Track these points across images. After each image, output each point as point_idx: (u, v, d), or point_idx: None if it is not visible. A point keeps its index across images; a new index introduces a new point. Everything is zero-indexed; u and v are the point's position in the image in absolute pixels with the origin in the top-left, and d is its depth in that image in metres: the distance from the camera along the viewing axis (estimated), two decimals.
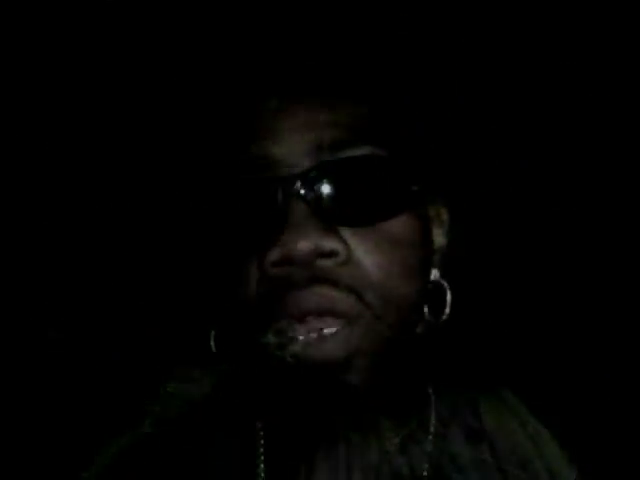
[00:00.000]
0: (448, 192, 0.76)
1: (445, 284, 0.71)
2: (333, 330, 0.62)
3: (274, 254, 0.63)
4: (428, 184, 0.72)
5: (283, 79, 0.70)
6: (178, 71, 0.88)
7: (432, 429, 0.70)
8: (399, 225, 0.66)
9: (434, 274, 0.71)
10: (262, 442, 0.71)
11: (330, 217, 0.64)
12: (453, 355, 0.75)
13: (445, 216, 0.75)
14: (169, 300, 1.20)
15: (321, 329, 0.62)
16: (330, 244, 0.62)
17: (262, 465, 0.70)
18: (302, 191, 0.63)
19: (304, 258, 0.62)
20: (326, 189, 0.64)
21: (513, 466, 0.66)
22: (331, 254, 0.63)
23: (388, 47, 0.79)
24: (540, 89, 0.94)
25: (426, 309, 0.70)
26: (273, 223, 0.63)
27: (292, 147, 0.65)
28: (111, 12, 0.92)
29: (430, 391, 0.73)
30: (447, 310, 0.70)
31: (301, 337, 0.63)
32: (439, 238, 0.74)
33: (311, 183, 0.64)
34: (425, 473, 0.67)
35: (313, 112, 0.66)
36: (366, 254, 0.64)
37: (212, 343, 0.71)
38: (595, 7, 0.92)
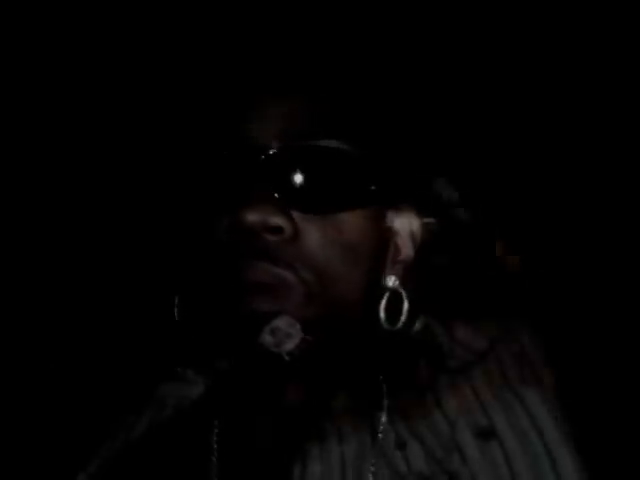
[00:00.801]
0: (421, 207, 0.77)
1: (403, 293, 0.72)
2: None
3: (225, 221, 0.68)
4: (398, 194, 0.74)
5: (270, 74, 0.75)
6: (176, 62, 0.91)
7: (437, 426, 0.70)
8: (351, 219, 0.70)
9: (392, 281, 0.72)
10: (215, 439, 0.74)
11: (284, 197, 0.68)
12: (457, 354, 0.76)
13: (417, 231, 0.76)
14: (166, 300, 1.22)
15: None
16: (277, 220, 0.67)
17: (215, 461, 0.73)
18: (263, 170, 0.68)
19: (250, 228, 0.66)
20: (286, 171, 0.68)
21: (522, 466, 0.67)
22: (276, 230, 0.67)
23: (372, 50, 0.81)
24: (525, 92, 0.95)
25: (382, 314, 0.71)
26: (234, 196, 0.68)
27: (266, 131, 0.69)
28: (102, 7, 0.96)
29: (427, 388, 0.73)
30: (403, 318, 0.71)
31: (297, 334, 0.66)
32: (406, 250, 0.75)
33: (273, 164, 0.68)
34: (424, 469, 0.68)
35: (292, 103, 0.71)
36: (311, 237, 0.68)
37: (175, 310, 0.73)
38: (595, 7, 0.92)
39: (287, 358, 0.67)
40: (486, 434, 0.68)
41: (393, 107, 0.78)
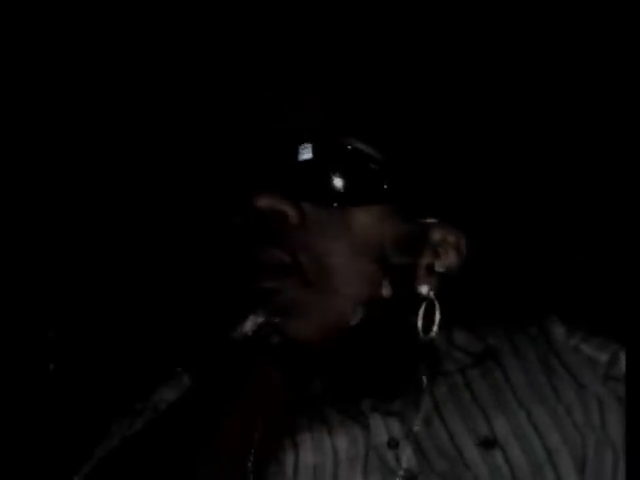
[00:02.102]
0: (464, 220, 0.79)
1: (436, 302, 0.73)
2: None
3: (241, 205, 0.71)
4: (435, 205, 0.77)
5: (302, 77, 0.78)
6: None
7: (433, 430, 0.72)
8: (363, 217, 0.72)
9: (426, 290, 0.74)
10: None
11: (297, 188, 0.71)
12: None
13: (462, 246, 0.77)
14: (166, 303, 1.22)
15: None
16: (284, 207, 0.70)
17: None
18: (283, 162, 0.71)
19: (259, 211, 0.70)
20: (303, 165, 0.71)
21: (525, 472, 0.69)
22: (282, 216, 0.70)
23: (394, 57, 0.83)
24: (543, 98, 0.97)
25: (420, 323, 0.73)
26: (252, 182, 0.72)
27: (293, 127, 0.72)
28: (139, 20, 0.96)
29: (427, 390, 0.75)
30: (435, 328, 0.72)
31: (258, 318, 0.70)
32: (452, 260, 0.76)
33: (293, 158, 0.71)
34: (413, 467, 0.70)
35: (319, 104, 0.74)
36: (317, 227, 0.71)
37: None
38: (595, 7, 0.94)
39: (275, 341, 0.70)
40: (488, 443, 0.71)
41: (418, 115, 0.80)
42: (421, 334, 0.72)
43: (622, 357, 0.75)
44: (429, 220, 0.76)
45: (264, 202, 0.70)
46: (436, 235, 0.76)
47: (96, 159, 1.16)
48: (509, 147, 1.07)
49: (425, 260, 0.75)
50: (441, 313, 0.73)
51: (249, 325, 0.70)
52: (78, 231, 1.22)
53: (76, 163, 1.16)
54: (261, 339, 0.70)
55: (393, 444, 0.71)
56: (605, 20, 1.00)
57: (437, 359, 0.77)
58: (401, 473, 0.70)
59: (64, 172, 1.18)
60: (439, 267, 0.75)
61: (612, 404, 0.72)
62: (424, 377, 0.75)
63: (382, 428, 0.72)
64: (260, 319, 0.70)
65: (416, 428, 0.72)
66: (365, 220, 0.72)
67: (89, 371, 1.28)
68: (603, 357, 0.76)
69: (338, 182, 0.71)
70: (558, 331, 0.78)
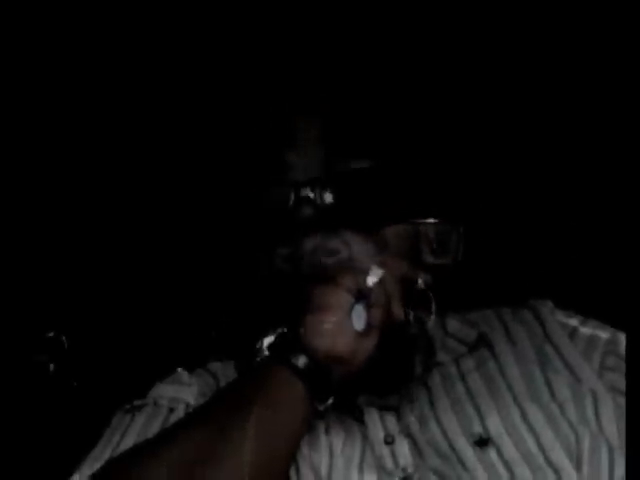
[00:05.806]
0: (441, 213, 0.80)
1: (431, 294, 0.74)
2: None
3: (284, 250, 0.72)
4: (426, 202, 0.79)
5: (306, 102, 0.79)
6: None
7: (428, 427, 0.73)
8: (391, 231, 0.74)
9: (420, 283, 0.75)
10: None
11: (334, 220, 0.73)
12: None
13: (432, 235, 0.79)
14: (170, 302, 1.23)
15: None
16: (332, 244, 0.71)
17: None
18: (310, 195, 0.72)
19: (311, 254, 0.71)
20: (331, 195, 0.73)
21: (523, 470, 0.69)
22: (333, 252, 0.71)
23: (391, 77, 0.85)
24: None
25: (412, 315, 0.74)
26: (285, 222, 0.72)
27: (305, 163, 0.74)
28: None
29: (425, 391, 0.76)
30: (432, 317, 0.74)
31: None
32: (441, 253, 0.78)
33: (318, 188, 0.73)
34: (409, 465, 0.71)
35: (326, 129, 0.75)
36: (362, 253, 0.72)
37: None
38: (594, 7, 0.95)
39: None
40: (482, 442, 0.71)
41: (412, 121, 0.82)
42: (413, 324, 0.74)
43: (620, 337, 0.76)
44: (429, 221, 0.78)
45: (313, 243, 0.71)
46: (429, 231, 0.77)
47: (99, 160, 1.16)
48: (506, 144, 1.08)
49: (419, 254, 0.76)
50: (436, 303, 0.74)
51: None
52: (79, 231, 1.23)
53: (79, 164, 1.17)
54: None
55: (389, 440, 0.72)
56: (605, 20, 1.01)
57: (432, 350, 0.78)
58: (398, 472, 0.70)
59: (65, 173, 1.19)
60: (429, 259, 0.77)
61: (607, 397, 0.72)
62: (419, 369, 0.77)
63: (378, 424, 0.73)
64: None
65: (411, 426, 0.73)
66: (395, 232, 0.75)
67: (89, 371, 1.29)
68: (604, 335, 0.76)
69: (370, 205, 0.75)
70: (554, 316, 0.78)
